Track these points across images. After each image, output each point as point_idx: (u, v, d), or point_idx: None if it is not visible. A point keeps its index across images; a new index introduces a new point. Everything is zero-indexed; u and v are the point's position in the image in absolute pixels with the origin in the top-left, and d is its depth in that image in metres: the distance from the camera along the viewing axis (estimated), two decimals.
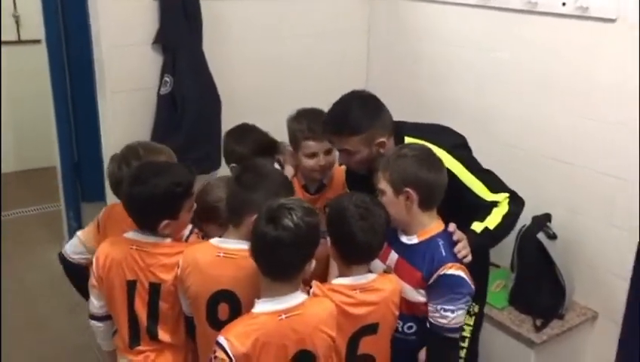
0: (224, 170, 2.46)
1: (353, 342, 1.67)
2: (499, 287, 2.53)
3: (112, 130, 2.62)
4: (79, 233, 2.06)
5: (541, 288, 2.38)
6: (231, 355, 1.47)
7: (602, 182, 2.32)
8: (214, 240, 1.74)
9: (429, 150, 1.84)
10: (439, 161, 1.81)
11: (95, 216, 2.10)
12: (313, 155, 2.18)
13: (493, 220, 1.87)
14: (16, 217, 4.27)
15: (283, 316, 1.52)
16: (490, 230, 1.86)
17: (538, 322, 2.33)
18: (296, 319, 1.53)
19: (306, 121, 2.19)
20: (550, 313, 2.37)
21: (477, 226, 1.86)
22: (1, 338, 2.85)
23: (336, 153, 2.17)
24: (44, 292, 3.40)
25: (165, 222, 1.73)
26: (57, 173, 3.71)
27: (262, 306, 1.53)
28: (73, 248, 2.03)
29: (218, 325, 1.64)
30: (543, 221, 2.41)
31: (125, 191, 1.75)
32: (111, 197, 2.68)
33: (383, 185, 1.78)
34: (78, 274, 2.03)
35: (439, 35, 2.88)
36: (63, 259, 2.04)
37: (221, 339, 1.50)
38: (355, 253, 1.69)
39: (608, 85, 2.25)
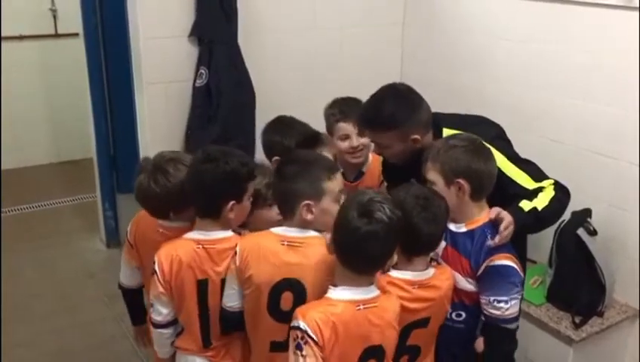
0: None
1: (405, 333, 1.66)
2: (536, 283, 2.49)
3: (148, 122, 2.65)
4: (122, 258, 2.03)
5: (580, 285, 2.33)
6: (314, 337, 1.43)
7: None
8: (276, 229, 1.68)
9: (478, 140, 1.81)
10: (489, 151, 1.79)
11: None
12: (346, 137, 2.21)
13: (541, 202, 1.84)
14: (53, 207, 4.36)
15: (361, 306, 1.49)
16: (537, 210, 1.82)
17: (577, 319, 2.29)
18: (373, 311, 1.51)
19: (338, 105, 2.25)
20: (589, 310, 2.32)
21: (525, 205, 1.82)
22: (1, 331, 2.90)
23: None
24: (78, 281, 3.46)
25: (232, 202, 1.70)
26: (94, 164, 3.78)
27: (341, 293, 1.50)
28: (124, 275, 2.03)
29: (280, 314, 1.62)
30: (582, 216, 2.36)
31: (195, 170, 1.74)
32: None
33: (434, 176, 1.76)
34: (137, 299, 2.08)
35: (480, 26, 2.82)
36: (123, 290, 2.06)
37: (299, 323, 1.45)
38: (419, 245, 1.65)
39: None
